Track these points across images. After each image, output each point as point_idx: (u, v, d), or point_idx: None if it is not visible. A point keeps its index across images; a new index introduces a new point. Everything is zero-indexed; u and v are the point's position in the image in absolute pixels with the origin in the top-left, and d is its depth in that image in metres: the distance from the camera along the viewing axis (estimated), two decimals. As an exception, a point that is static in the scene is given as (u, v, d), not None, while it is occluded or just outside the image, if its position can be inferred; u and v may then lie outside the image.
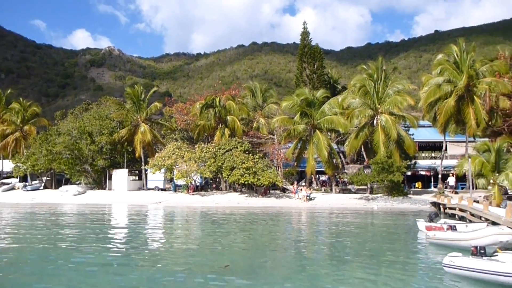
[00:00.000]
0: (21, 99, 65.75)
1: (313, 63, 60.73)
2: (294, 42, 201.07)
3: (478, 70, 40.92)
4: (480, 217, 21.63)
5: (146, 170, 51.85)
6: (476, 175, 32.61)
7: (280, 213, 34.21)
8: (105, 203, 43.90)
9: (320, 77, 60.21)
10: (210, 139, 51.63)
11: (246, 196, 43.79)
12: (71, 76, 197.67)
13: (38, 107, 65.46)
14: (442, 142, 47.29)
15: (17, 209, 38.89)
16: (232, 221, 29.05)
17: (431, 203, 35.54)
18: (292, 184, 46.17)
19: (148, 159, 50.92)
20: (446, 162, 47.21)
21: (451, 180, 45.10)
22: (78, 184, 54.74)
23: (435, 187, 46.66)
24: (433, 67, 44.70)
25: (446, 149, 48.19)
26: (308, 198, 40.24)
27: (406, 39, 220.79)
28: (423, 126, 52.48)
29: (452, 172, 45.18)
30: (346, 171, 47.54)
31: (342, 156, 49.33)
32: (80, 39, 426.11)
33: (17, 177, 58.07)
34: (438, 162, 48.38)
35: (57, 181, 58.73)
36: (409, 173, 46.40)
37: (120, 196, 47.62)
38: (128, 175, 53.09)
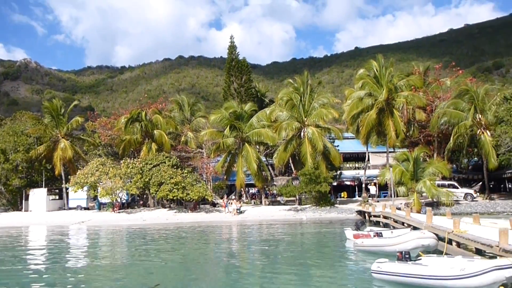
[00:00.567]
0: None
1: (240, 76, 61.31)
2: (221, 56, 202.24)
3: (396, 85, 43.25)
4: (403, 223, 22.60)
5: (67, 189, 49.06)
6: (397, 183, 34.36)
7: (210, 228, 33.80)
8: (21, 226, 40.41)
9: (248, 90, 60.86)
10: (136, 154, 50.14)
11: (175, 212, 42.89)
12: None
13: None
14: (365, 153, 49.36)
15: None
16: (161, 238, 28.20)
17: (356, 211, 36.79)
18: (222, 198, 45.92)
19: (69, 176, 48.11)
20: (369, 172, 49.23)
21: (372, 189, 46.99)
22: (-11, 206, 50.82)
23: (359, 196, 48.41)
24: (355, 81, 46.69)
25: (368, 160, 50.29)
26: (238, 211, 40.15)
27: (328, 55, 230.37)
28: (347, 138, 54.42)
29: (374, 181, 47.13)
30: (275, 183, 48.12)
31: (271, 168, 49.90)
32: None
33: None
34: (361, 172, 50.35)
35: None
36: (335, 184, 47.81)
37: (38, 217, 44.37)
38: (47, 194, 49.91)
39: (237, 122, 44.36)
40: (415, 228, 19.13)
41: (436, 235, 15.94)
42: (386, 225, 26.21)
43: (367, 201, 39.98)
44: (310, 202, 42.24)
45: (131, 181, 43.93)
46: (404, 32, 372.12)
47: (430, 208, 21.31)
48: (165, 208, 45.93)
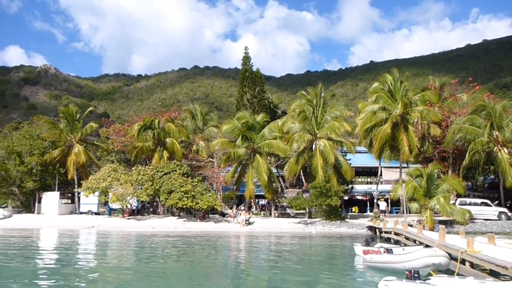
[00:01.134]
0: None
1: (254, 87, 61.27)
2: (235, 67, 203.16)
3: (411, 99, 42.72)
4: (415, 241, 22.07)
5: (79, 193, 49.43)
6: (409, 199, 33.72)
7: (219, 238, 33.46)
8: (33, 228, 41.20)
9: (260, 101, 60.75)
10: (148, 162, 50.25)
11: (184, 221, 42.67)
12: (1, 93, 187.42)
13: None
14: (377, 167, 48.69)
15: None
16: (169, 247, 28.00)
17: (367, 227, 36.17)
18: (231, 208, 45.65)
19: (81, 181, 48.50)
20: (381, 187, 48.57)
21: (382, 205, 46.28)
22: (4, 207, 51.21)
23: (371, 211, 47.74)
24: (369, 94, 46.22)
25: (381, 174, 49.64)
26: (247, 222, 39.78)
27: (343, 68, 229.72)
28: (360, 152, 53.89)
29: (386, 196, 46.44)
30: (285, 195, 47.67)
31: (281, 180, 49.52)
32: (13, 56, 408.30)
33: None
34: (373, 187, 49.68)
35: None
36: (346, 198, 47.22)
37: (50, 220, 44.87)
38: (60, 198, 50.36)
39: (249, 132, 44.19)
40: (427, 246, 18.60)
41: (449, 254, 15.43)
42: (397, 242, 25.66)
43: (379, 216, 39.30)
44: (320, 216, 41.70)
45: (141, 188, 43.93)
46: (420, 47, 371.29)
47: (444, 226, 20.71)
48: (174, 216, 45.76)
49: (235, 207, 45.64)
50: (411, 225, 27.99)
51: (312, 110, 43.46)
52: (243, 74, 63.56)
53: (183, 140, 50.93)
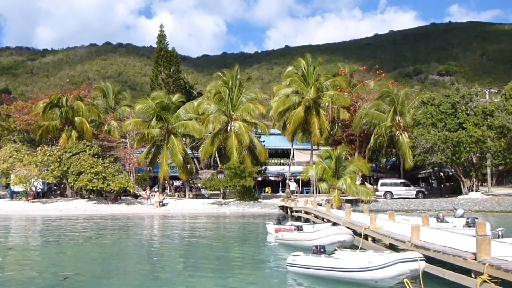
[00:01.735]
0: None
1: (169, 67, 60.01)
2: (150, 46, 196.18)
3: (322, 84, 44.34)
4: (323, 219, 23.19)
5: (-25, 176, 45.60)
6: (319, 180, 35.31)
7: (131, 220, 32.78)
8: None
9: (176, 81, 59.74)
10: (54, 142, 47.56)
11: (95, 203, 41.21)
12: None
13: None
14: (290, 149, 50.20)
15: None
16: (77, 230, 26.87)
17: (279, 206, 37.32)
18: (144, 189, 44.82)
19: (-22, 162, 44.72)
20: (294, 168, 50.16)
21: (292, 186, 47.75)
22: None
23: (283, 191, 49.19)
24: (283, 78, 47.38)
25: (293, 156, 51.24)
26: (161, 204, 39.34)
27: (259, 51, 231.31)
28: (273, 134, 55.08)
29: (298, 177, 48.01)
30: (200, 176, 47.70)
31: (196, 161, 49.39)
32: None
33: None
34: (286, 168, 51.20)
35: None
36: (260, 179, 48.25)
37: None
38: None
39: (164, 113, 43.42)
40: (334, 224, 19.63)
41: (354, 230, 16.43)
42: (307, 220, 26.76)
43: (290, 196, 40.70)
44: (235, 197, 42.29)
45: (48, 170, 41.60)
46: (333, 34, 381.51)
47: (349, 204, 21.98)
48: (84, 198, 43.95)
49: (148, 189, 44.89)
50: (320, 204, 29.30)
51: (228, 91, 43.61)
52: (158, 53, 61.95)
53: (93, 119, 48.82)
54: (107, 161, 42.04)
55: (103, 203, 41.15)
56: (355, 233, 16.28)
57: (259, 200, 41.52)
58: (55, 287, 11.91)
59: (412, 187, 42.21)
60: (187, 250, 18.92)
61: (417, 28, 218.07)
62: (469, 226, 16.86)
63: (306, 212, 28.10)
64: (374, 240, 15.17)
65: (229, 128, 42.65)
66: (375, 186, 42.62)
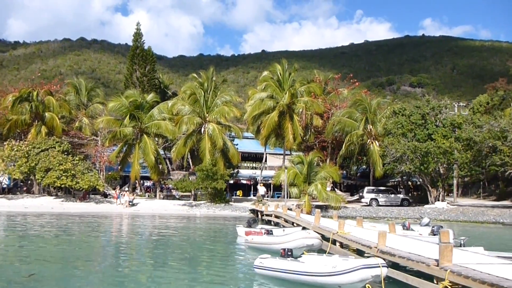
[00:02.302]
0: None
1: (144, 65, 59.49)
2: (126, 43, 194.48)
3: (297, 90, 44.79)
4: (293, 223, 23.41)
5: None
6: (290, 185, 35.61)
7: (99, 219, 32.33)
8: None
9: (151, 80, 59.28)
10: (23, 137, 46.45)
11: (62, 201, 40.44)
12: None
13: None
14: (263, 153, 50.51)
15: None
16: (43, 227, 26.38)
17: (250, 210, 37.43)
18: (114, 189, 44.28)
19: None
20: (266, 173, 50.41)
21: (261, 190, 47.95)
22: None
23: (254, 195, 49.36)
24: (259, 82, 47.71)
25: (266, 160, 51.53)
26: (130, 203, 38.92)
27: (235, 54, 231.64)
28: (247, 138, 55.28)
29: (270, 181, 48.24)
30: (171, 177, 47.43)
31: (168, 162, 49.11)
32: None
33: None
34: (258, 172, 51.42)
35: None
36: (231, 181, 48.27)
37: None
38: None
39: (137, 112, 43.05)
40: (304, 228, 19.85)
41: (322, 235, 16.66)
42: (277, 224, 26.95)
43: (261, 200, 40.87)
44: (206, 199, 42.19)
45: (14, 165, 40.60)
46: (309, 41, 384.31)
47: (319, 210, 22.29)
48: (51, 196, 43.06)
49: (118, 188, 44.35)
50: (290, 209, 29.51)
51: (203, 93, 43.54)
52: (134, 51, 61.32)
53: (64, 115, 48.00)
54: (77, 158, 41.35)
55: (71, 201, 40.42)
56: (324, 238, 16.52)
57: (230, 203, 41.53)
58: (20, 284, 11.72)
59: (397, 195, 42.95)
60: (155, 249, 18.90)
61: (392, 39, 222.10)
62: (434, 234, 17.30)
63: (276, 216, 28.30)
64: (342, 245, 15.44)
65: (202, 129, 42.58)
66: (361, 194, 43.09)
